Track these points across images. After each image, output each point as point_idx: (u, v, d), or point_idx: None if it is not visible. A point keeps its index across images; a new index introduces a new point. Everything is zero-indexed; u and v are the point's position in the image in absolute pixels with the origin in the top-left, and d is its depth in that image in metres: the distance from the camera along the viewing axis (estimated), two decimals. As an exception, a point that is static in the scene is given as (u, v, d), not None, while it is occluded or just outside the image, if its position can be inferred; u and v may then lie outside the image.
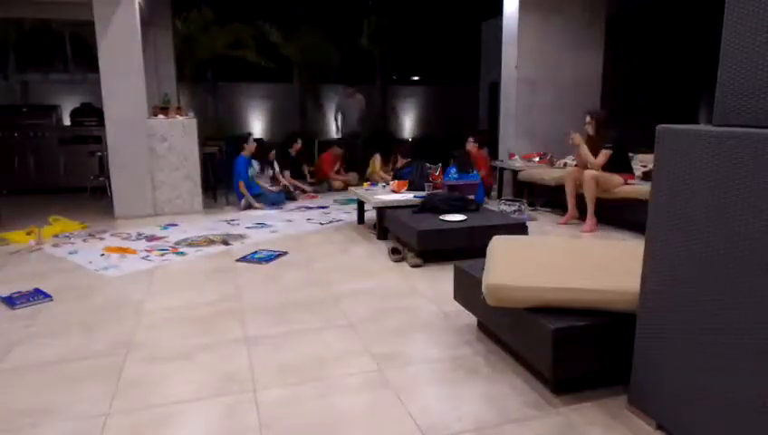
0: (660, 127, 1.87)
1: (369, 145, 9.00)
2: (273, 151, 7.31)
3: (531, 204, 6.69)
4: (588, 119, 5.45)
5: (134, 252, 4.57)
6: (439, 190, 5.44)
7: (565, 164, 6.67)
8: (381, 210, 4.94)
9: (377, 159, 7.95)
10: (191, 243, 4.88)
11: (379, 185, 5.99)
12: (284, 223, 5.75)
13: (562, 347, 2.07)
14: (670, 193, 1.83)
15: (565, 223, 5.55)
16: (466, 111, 13.46)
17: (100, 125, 7.33)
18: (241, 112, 14.22)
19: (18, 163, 8.11)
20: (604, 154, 5.24)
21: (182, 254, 4.52)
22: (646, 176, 5.45)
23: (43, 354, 2.65)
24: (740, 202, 1.59)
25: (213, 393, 2.25)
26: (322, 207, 6.70)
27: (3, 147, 8.03)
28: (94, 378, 2.39)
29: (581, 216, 5.49)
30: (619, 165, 5.29)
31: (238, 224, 5.71)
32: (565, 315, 2.13)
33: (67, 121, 9.06)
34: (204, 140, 7.44)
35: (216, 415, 2.09)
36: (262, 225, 5.66)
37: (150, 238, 5.07)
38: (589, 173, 5.19)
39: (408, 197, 5.16)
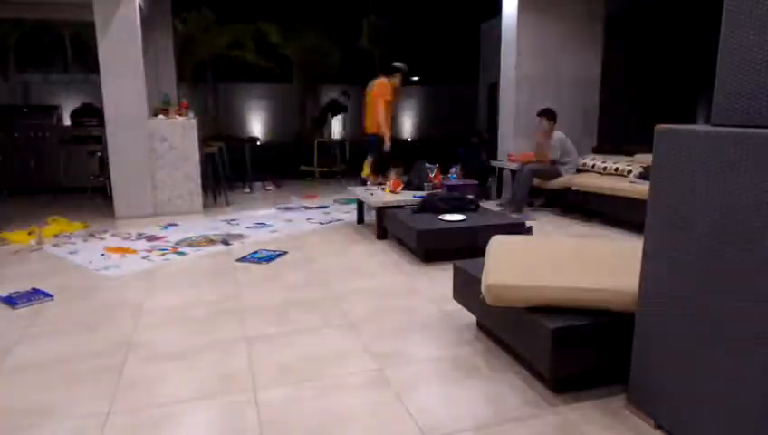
0: (659, 127, 1.88)
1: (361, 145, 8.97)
2: None
3: (530, 204, 6.70)
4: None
5: (134, 252, 4.58)
6: (439, 190, 5.44)
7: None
8: (381, 210, 4.95)
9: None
10: (191, 243, 4.88)
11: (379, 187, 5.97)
12: (284, 223, 5.76)
13: (561, 346, 2.07)
14: (669, 193, 1.84)
15: None
16: (466, 111, 13.46)
17: (100, 125, 7.34)
18: (241, 112, 14.24)
19: (18, 163, 8.11)
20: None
21: (182, 254, 4.53)
22: (644, 175, 5.46)
23: (44, 354, 2.65)
24: (738, 202, 1.60)
25: (213, 393, 2.26)
26: (322, 207, 6.70)
27: (3, 147, 8.04)
28: (94, 378, 2.40)
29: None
30: None
31: (238, 224, 5.72)
32: (564, 315, 2.14)
33: (67, 121, 9.07)
34: (204, 140, 7.44)
35: (215, 415, 2.09)
36: (262, 225, 5.66)
37: (151, 238, 5.07)
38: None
39: (407, 197, 5.16)
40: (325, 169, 9.79)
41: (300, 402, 2.18)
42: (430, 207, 4.63)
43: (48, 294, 3.47)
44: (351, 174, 9.29)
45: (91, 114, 8.59)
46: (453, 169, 6.55)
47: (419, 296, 3.44)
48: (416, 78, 15.44)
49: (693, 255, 1.75)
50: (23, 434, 1.99)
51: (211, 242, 4.91)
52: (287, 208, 6.62)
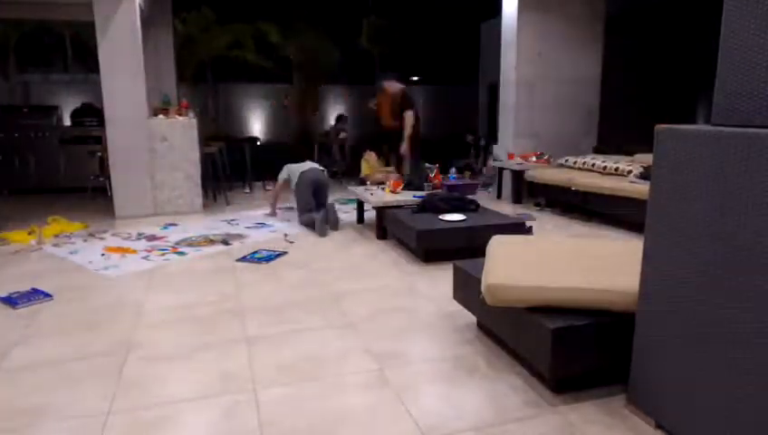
0: (659, 127, 1.88)
1: (361, 145, 8.96)
2: None
3: (536, 204, 6.72)
4: None
5: (134, 252, 4.58)
6: (439, 190, 5.44)
7: (560, 165, 6.68)
8: (381, 210, 4.95)
9: (371, 157, 7.83)
10: (191, 243, 4.88)
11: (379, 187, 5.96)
12: (284, 223, 5.76)
13: (562, 346, 2.07)
14: (669, 193, 1.84)
15: None
16: (466, 111, 13.46)
17: (101, 125, 7.34)
18: (241, 112, 14.23)
19: (19, 163, 8.11)
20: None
21: (182, 254, 4.53)
22: (644, 175, 5.46)
23: (43, 354, 2.65)
24: (738, 202, 1.60)
25: (213, 393, 2.26)
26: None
27: (3, 147, 8.04)
28: (94, 378, 2.40)
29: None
30: None
31: (238, 224, 5.72)
32: (564, 315, 2.14)
33: (67, 122, 9.07)
34: (204, 140, 7.44)
35: (216, 415, 2.09)
36: (262, 225, 5.66)
37: (150, 238, 5.07)
38: None
39: (407, 197, 5.16)
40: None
41: (300, 402, 2.18)
42: (430, 207, 4.63)
43: (48, 295, 3.47)
44: (351, 174, 9.30)
45: (91, 114, 8.59)
46: (452, 170, 6.56)
47: (419, 296, 3.44)
48: (416, 78, 15.44)
49: (693, 255, 1.75)
50: (23, 434, 1.99)
51: (211, 242, 4.91)
52: (287, 208, 6.61)
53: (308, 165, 5.77)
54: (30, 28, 11.55)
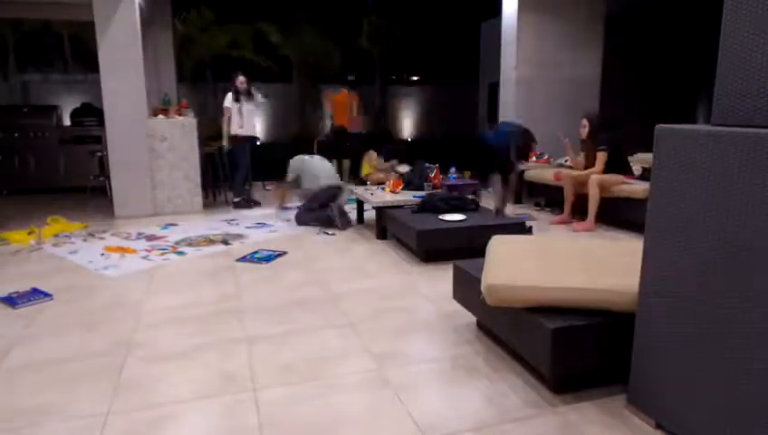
0: (659, 127, 1.88)
1: (363, 144, 8.93)
2: None
3: (536, 204, 6.71)
4: (584, 122, 5.50)
5: (134, 252, 4.58)
6: (438, 190, 5.44)
7: (560, 165, 6.68)
8: (381, 210, 4.95)
9: (372, 156, 7.82)
10: (191, 243, 4.88)
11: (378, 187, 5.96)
12: (284, 223, 5.76)
13: (561, 346, 2.07)
14: (669, 193, 1.83)
15: (559, 223, 5.58)
16: (466, 110, 13.47)
17: (100, 125, 7.34)
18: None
19: (18, 163, 8.11)
20: (600, 158, 5.29)
21: (182, 253, 4.53)
22: (644, 175, 5.47)
23: (43, 354, 2.65)
24: (738, 202, 1.59)
25: (213, 393, 2.25)
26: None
27: (3, 147, 8.04)
28: (94, 378, 2.40)
29: (580, 217, 5.53)
30: (616, 167, 5.33)
31: (238, 224, 5.72)
32: (564, 315, 2.14)
33: (67, 121, 9.08)
34: (204, 140, 7.44)
35: (215, 415, 2.09)
36: (262, 225, 5.66)
37: (150, 238, 5.07)
38: (594, 178, 5.22)
39: (407, 197, 5.16)
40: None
41: (300, 402, 2.18)
42: (430, 207, 4.63)
43: (48, 294, 3.47)
44: (351, 174, 9.28)
45: (91, 114, 8.59)
46: (452, 169, 6.56)
47: (419, 296, 3.44)
48: (415, 78, 15.44)
49: (693, 255, 1.75)
50: (22, 434, 1.99)
51: (211, 242, 4.91)
52: (287, 208, 6.62)
53: (328, 171, 5.77)
54: (30, 28, 11.56)
